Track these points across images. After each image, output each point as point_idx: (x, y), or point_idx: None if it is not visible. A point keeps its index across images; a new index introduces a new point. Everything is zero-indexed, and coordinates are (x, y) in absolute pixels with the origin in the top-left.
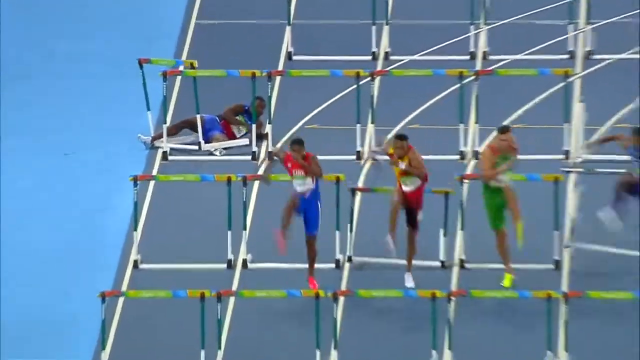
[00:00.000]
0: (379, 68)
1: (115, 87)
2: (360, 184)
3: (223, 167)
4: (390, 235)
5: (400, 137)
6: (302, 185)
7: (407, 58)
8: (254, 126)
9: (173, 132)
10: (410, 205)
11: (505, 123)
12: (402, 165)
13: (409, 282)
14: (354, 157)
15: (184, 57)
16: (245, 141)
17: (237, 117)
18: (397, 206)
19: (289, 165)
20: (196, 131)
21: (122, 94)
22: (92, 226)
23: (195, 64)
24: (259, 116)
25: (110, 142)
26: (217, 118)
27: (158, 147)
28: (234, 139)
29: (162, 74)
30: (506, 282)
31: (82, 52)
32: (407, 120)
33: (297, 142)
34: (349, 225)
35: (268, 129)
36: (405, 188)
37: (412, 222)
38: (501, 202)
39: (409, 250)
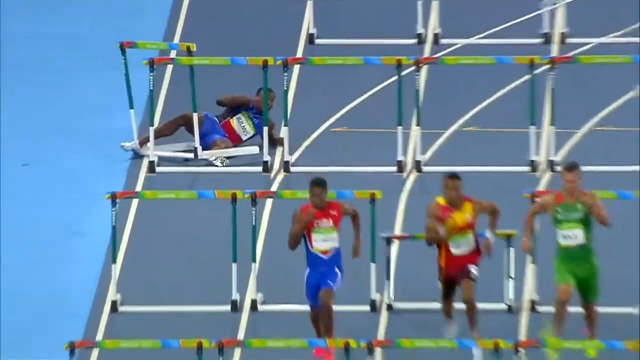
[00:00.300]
0: (426, 54)
1: (88, 79)
2: (402, 204)
3: (226, 181)
4: (447, 318)
5: (453, 176)
6: (325, 241)
7: (461, 42)
8: (265, 130)
9: (166, 132)
10: (459, 271)
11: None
12: (469, 218)
13: (450, 331)
14: (394, 168)
15: (176, 40)
16: (255, 149)
17: (240, 114)
18: (446, 277)
19: (309, 215)
20: (193, 132)
21: (98, 88)
22: (58, 257)
23: (193, 47)
24: (269, 110)
25: (81, 149)
26: (216, 119)
27: (143, 156)
28: (239, 144)
29: (149, 62)
30: (591, 353)
31: (41, 35)
32: (461, 121)
33: (317, 184)
34: (385, 273)
35: (284, 132)
36: (455, 251)
37: (463, 283)
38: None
39: (468, 312)
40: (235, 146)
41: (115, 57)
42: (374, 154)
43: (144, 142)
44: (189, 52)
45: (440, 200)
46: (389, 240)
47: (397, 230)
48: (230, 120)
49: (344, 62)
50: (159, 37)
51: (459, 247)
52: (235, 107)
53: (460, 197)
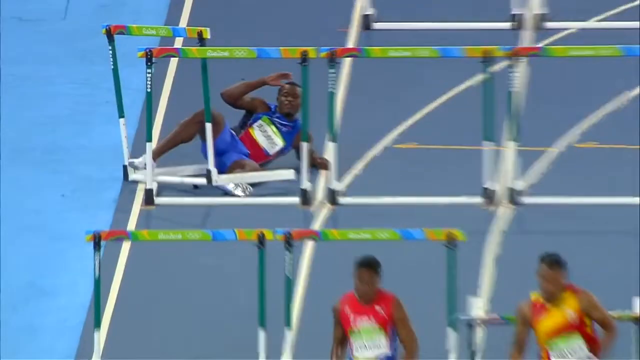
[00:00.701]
0: (524, 44)
1: (57, 78)
2: (490, 251)
3: (251, 216)
4: None
5: (552, 261)
6: (371, 348)
7: (571, 26)
8: (304, 147)
9: (184, 137)
10: None
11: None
12: (572, 315)
13: None
14: (480, 199)
15: (182, 24)
16: (290, 173)
17: (261, 120)
18: None
19: (348, 311)
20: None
21: (72, 90)
22: (20, 319)
23: (207, 33)
24: (294, 112)
25: (50, 176)
26: (232, 132)
27: (136, 181)
28: (267, 162)
29: (146, 54)
30: None
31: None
32: (572, 133)
33: (367, 265)
34: None
35: (330, 151)
36: None
37: None
38: None
39: None
40: (261, 166)
41: (98, 46)
42: (451, 179)
43: (160, 152)
44: (201, 41)
45: (535, 297)
46: (471, 324)
47: (484, 292)
48: (250, 129)
49: (412, 53)
50: (160, 21)
51: (564, 359)
52: (251, 111)
53: (560, 287)
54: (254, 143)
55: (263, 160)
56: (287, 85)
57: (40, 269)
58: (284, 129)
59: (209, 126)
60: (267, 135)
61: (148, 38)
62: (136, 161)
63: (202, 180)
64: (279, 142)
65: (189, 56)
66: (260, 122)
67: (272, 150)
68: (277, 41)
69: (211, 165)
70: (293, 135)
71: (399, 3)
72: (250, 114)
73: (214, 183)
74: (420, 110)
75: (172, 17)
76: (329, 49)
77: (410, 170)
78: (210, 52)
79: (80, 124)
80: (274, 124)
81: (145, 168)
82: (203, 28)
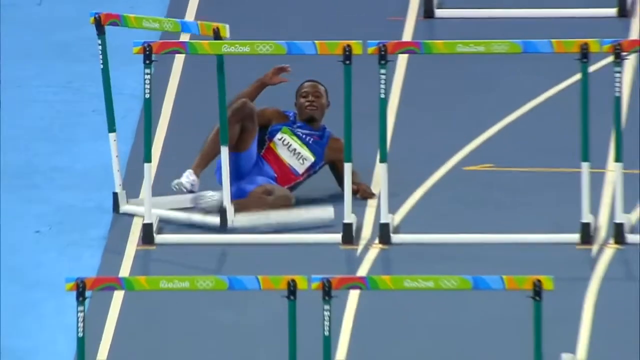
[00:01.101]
0: (633, 35)
1: (42, 79)
2: (590, 301)
3: (278, 258)
4: None
5: None
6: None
7: None
8: (347, 168)
9: (217, 150)
10: None
11: None
12: None
13: None
14: (576, 236)
15: (190, 17)
16: (328, 212)
17: (282, 132)
18: None
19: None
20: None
21: (58, 93)
22: None
23: (225, 31)
24: (319, 115)
25: (26, 199)
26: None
27: (131, 214)
28: (296, 184)
29: (143, 50)
30: None
31: None
32: None
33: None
34: None
35: (380, 174)
36: None
37: None
38: None
39: None
40: (291, 189)
41: (84, 39)
42: (537, 210)
43: (200, 165)
44: (217, 38)
45: None
46: None
47: (581, 349)
48: (272, 145)
49: (486, 49)
50: (161, 10)
51: None
52: (265, 125)
53: None
54: (279, 162)
55: (292, 182)
56: (305, 84)
57: (11, 326)
58: (310, 139)
59: (224, 150)
60: (292, 150)
61: (148, 32)
62: (183, 182)
63: (215, 219)
64: (309, 157)
65: (199, 52)
66: (280, 134)
67: (301, 169)
68: (309, 34)
69: (227, 200)
70: (323, 147)
71: None
72: (265, 128)
73: (229, 224)
74: (497, 122)
75: (176, 6)
76: (378, 43)
77: (484, 199)
78: (227, 47)
79: (61, 139)
80: (296, 135)
81: (192, 191)
82: (220, 24)
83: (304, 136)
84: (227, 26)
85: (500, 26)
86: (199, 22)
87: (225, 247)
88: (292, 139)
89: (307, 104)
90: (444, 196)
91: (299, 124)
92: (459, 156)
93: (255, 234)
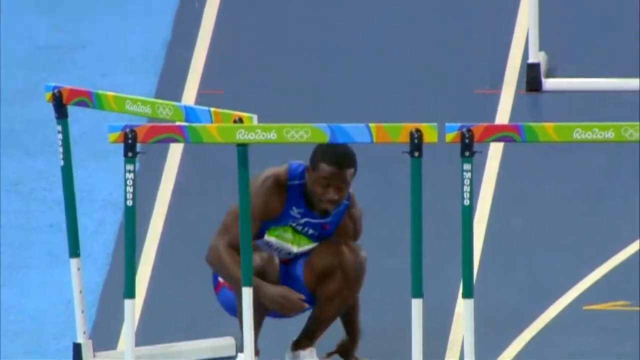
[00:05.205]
0: None
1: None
2: None
3: None
4: None
5: None
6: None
7: None
8: (417, 306)
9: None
10: None
11: None
12: None
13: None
14: None
15: (191, 91)
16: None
17: (287, 229)
18: None
19: None
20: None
21: (4, 201)
22: None
23: (252, 122)
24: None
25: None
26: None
27: None
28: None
29: (122, 138)
30: None
31: None
32: None
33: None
34: None
35: (466, 311)
36: None
37: None
38: None
39: None
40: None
41: (36, 123)
42: None
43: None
44: None
45: None
46: None
47: None
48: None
49: (617, 135)
50: (149, 79)
51: None
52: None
53: None
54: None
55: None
56: (328, 163)
57: None
58: (316, 233)
59: (247, 291)
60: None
61: (128, 117)
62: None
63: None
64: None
65: (206, 141)
66: (272, 237)
67: (296, 249)
68: (358, 111)
69: (248, 352)
70: (336, 224)
71: (590, 42)
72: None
73: None
74: (630, 243)
75: (170, 73)
76: (460, 127)
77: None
78: (243, 134)
79: (4, 266)
80: (302, 233)
81: None
82: (245, 114)
83: (312, 230)
84: (255, 117)
85: (633, 103)
86: (212, 109)
87: None
88: (304, 241)
89: (325, 199)
90: (562, 343)
91: (312, 216)
92: (579, 289)
93: None
